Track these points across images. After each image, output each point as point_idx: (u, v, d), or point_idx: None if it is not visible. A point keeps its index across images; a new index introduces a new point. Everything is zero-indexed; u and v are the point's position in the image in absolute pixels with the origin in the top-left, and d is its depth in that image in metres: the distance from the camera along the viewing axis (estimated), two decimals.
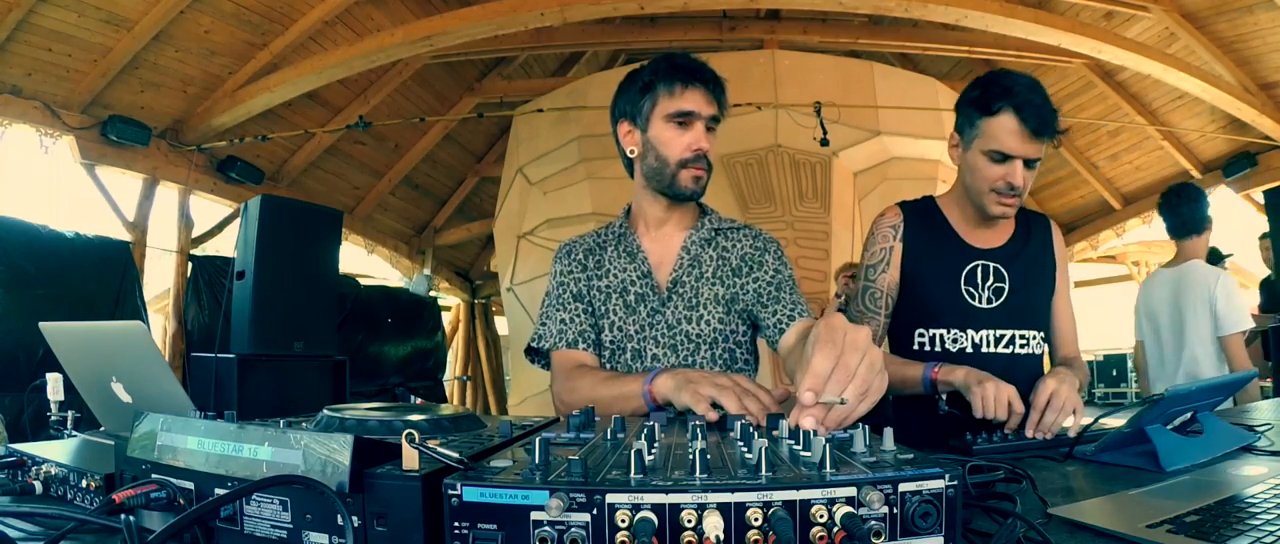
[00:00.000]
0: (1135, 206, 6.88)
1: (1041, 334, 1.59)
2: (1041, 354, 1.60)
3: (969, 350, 1.54)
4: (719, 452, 0.66)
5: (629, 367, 1.39)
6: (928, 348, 1.56)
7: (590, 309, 1.42)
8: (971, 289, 1.55)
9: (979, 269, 1.55)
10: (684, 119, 1.33)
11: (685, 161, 1.34)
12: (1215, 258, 4.16)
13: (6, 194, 9.84)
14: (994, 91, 1.40)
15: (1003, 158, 1.41)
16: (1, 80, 3.91)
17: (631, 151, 1.41)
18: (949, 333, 1.54)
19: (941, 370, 1.41)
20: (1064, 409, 1.26)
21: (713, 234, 1.44)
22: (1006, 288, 1.54)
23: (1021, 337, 1.55)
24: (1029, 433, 1.25)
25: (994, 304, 1.54)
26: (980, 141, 1.44)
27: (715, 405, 0.97)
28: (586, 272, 1.44)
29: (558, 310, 1.42)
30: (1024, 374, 1.43)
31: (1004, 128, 1.39)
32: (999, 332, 1.55)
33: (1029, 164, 1.42)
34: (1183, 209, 2.86)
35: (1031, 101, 1.37)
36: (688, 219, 1.45)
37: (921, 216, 1.61)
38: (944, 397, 1.44)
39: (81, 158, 4.37)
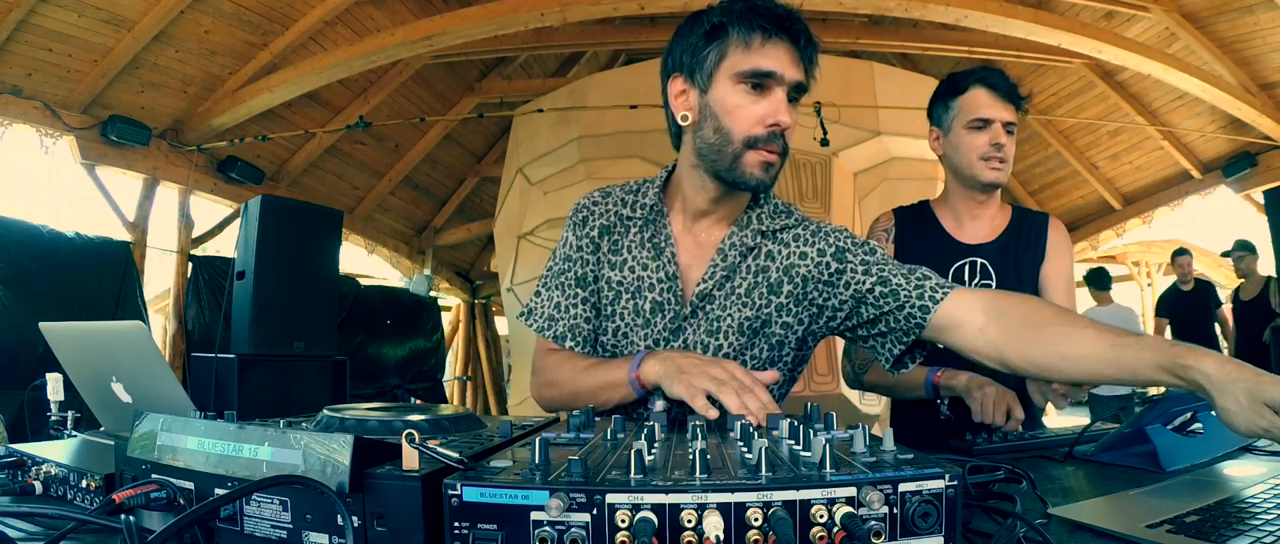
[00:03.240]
0: (1135, 207, 6.86)
1: None
2: None
3: None
4: (719, 452, 0.66)
5: None
6: None
7: (593, 298, 1.18)
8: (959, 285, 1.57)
9: (966, 266, 1.59)
10: (761, 81, 1.03)
11: (755, 140, 1.04)
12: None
13: (7, 194, 9.88)
14: (958, 77, 1.57)
15: (984, 124, 1.52)
16: (1, 80, 3.91)
17: (683, 118, 1.09)
18: None
19: (944, 375, 1.42)
20: None
21: (758, 238, 1.14)
22: (993, 284, 1.57)
23: None
24: None
25: None
26: (959, 119, 1.55)
27: (714, 402, 0.91)
28: (597, 253, 1.19)
29: (555, 290, 1.21)
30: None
31: (978, 97, 1.53)
32: None
33: (1008, 129, 1.53)
34: (1099, 283, 5.46)
35: (994, 73, 1.55)
36: (734, 210, 1.15)
37: (914, 219, 1.66)
38: (945, 401, 1.45)
39: (82, 158, 4.36)
